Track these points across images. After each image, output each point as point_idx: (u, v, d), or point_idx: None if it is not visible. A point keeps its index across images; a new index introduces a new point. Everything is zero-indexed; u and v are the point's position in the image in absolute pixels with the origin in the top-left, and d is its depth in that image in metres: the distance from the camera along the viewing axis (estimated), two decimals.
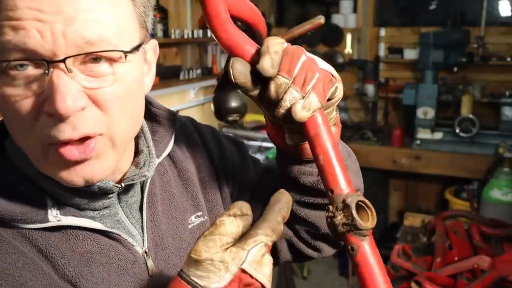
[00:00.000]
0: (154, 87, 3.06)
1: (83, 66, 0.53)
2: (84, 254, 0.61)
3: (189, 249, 0.67)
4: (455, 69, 3.52)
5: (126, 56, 0.55)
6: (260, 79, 0.58)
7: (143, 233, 0.68)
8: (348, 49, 4.11)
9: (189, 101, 3.42)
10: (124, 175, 0.66)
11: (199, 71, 3.22)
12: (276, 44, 0.58)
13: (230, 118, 0.67)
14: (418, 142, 3.52)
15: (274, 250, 0.82)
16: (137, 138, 0.69)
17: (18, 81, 0.52)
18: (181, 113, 3.32)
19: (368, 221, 0.53)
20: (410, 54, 3.80)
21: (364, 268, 0.53)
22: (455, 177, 3.43)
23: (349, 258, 0.54)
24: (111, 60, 0.55)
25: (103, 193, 0.62)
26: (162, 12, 2.81)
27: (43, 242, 0.59)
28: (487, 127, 3.44)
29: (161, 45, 3.25)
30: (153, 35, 2.67)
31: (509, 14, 3.71)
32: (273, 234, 0.51)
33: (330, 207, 0.54)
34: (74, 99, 0.51)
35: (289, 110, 0.57)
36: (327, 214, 0.54)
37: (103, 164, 0.58)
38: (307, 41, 4.18)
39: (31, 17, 0.49)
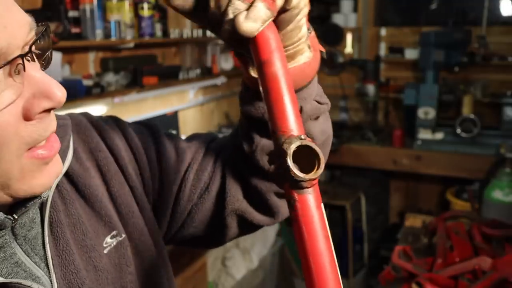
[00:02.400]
0: (153, 87, 3.03)
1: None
2: None
3: (108, 277, 0.62)
4: (456, 69, 3.51)
5: None
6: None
7: (49, 272, 0.57)
8: (348, 49, 4.10)
9: (188, 101, 3.41)
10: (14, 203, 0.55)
11: (198, 71, 3.21)
12: None
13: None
14: (419, 142, 3.51)
15: (222, 229, 0.73)
16: None
17: None
18: (180, 114, 3.33)
19: (312, 171, 0.44)
20: (411, 53, 3.79)
21: (300, 226, 0.44)
22: (456, 177, 3.41)
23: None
24: None
25: None
26: (161, 12, 2.80)
27: None
28: (488, 127, 3.43)
29: (160, 45, 3.21)
30: (152, 35, 2.66)
31: (510, 13, 3.69)
32: None
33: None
34: (58, 83, 0.49)
35: (234, 25, 0.48)
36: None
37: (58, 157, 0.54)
38: None
39: None
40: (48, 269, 0.57)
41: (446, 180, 3.62)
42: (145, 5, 2.57)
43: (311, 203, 0.44)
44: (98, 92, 2.34)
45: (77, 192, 0.64)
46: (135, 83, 2.63)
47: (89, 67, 2.54)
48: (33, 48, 0.49)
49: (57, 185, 0.61)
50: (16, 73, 0.46)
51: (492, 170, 3.17)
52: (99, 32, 2.30)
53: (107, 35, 2.38)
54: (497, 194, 2.98)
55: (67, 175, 0.64)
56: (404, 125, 3.83)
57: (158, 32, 2.75)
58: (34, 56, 0.49)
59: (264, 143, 0.66)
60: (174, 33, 2.86)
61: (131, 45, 2.52)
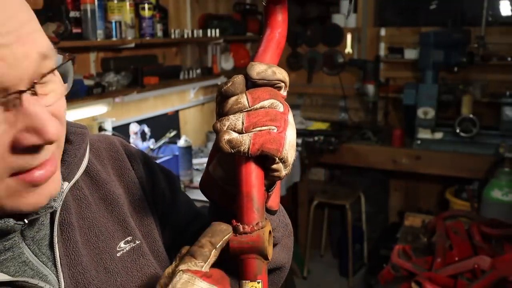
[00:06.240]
0: (154, 87, 3.02)
1: (39, 85, 0.50)
2: None
3: (118, 280, 0.64)
4: (456, 69, 3.52)
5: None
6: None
7: (57, 271, 0.59)
8: (348, 49, 4.11)
9: (189, 101, 3.42)
10: None
11: (199, 71, 3.22)
12: (282, 71, 0.54)
13: None
14: (419, 142, 3.52)
15: None
16: None
17: None
18: (181, 113, 3.33)
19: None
20: (411, 54, 3.79)
21: None
22: (455, 177, 3.42)
23: None
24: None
25: (3, 234, 0.54)
26: (162, 12, 2.80)
27: None
28: (487, 127, 3.44)
29: (161, 45, 3.21)
30: (153, 35, 2.67)
31: (509, 13, 3.70)
32: (192, 259, 0.49)
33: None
34: (53, 121, 0.49)
35: (218, 132, 0.53)
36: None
37: (58, 175, 0.55)
38: (307, 41, 4.17)
39: None
40: (56, 268, 0.59)
41: (445, 180, 3.63)
42: (146, 6, 2.58)
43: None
44: (99, 92, 2.34)
45: (100, 196, 0.68)
46: (136, 83, 2.64)
47: (90, 67, 2.55)
48: (44, 79, 0.49)
49: (73, 190, 0.64)
50: (13, 106, 0.46)
51: (491, 170, 3.18)
52: (100, 32, 2.31)
53: (108, 35, 2.39)
54: (496, 194, 2.99)
55: (91, 180, 0.68)
56: (404, 125, 3.84)
57: (159, 32, 2.76)
58: (36, 90, 0.48)
59: None
60: (174, 34, 2.86)
61: (132, 45, 2.53)
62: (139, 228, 0.70)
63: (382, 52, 3.98)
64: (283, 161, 0.54)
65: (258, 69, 0.53)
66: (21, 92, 0.46)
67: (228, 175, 0.59)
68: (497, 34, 3.64)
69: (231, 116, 0.52)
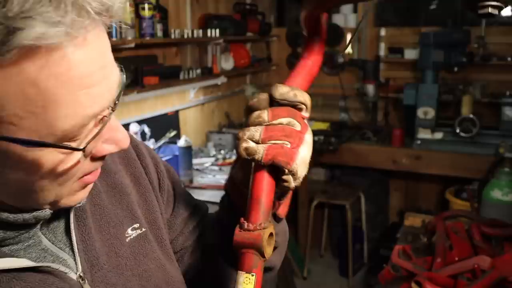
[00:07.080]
0: (154, 87, 3.01)
1: None
2: None
3: (128, 264, 0.68)
4: (456, 69, 3.52)
5: None
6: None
7: (74, 256, 0.63)
8: (348, 49, 4.11)
9: (189, 101, 3.42)
10: None
11: (199, 71, 3.22)
12: (304, 94, 0.61)
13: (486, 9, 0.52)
14: (419, 142, 3.52)
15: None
16: None
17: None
18: (181, 113, 3.33)
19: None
20: (411, 54, 3.79)
21: None
22: (455, 177, 3.42)
23: None
24: None
25: (34, 223, 0.58)
26: (162, 12, 2.81)
27: None
28: (487, 127, 3.44)
29: (161, 45, 3.20)
30: (153, 35, 2.67)
31: (509, 14, 3.70)
32: None
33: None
34: (126, 131, 0.58)
35: (239, 140, 0.60)
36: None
37: None
38: None
39: (102, 77, 0.49)
40: (73, 253, 0.63)
41: (445, 180, 3.63)
42: (146, 6, 2.58)
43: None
44: None
45: (108, 184, 0.72)
46: (136, 83, 2.64)
47: None
48: None
49: None
50: (100, 122, 0.53)
51: (491, 170, 3.18)
52: None
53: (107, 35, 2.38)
54: (496, 194, 2.99)
55: (100, 169, 0.70)
56: (404, 125, 3.84)
57: (159, 32, 2.76)
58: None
59: None
60: (174, 34, 2.86)
61: (132, 45, 2.52)
62: (145, 216, 0.74)
63: (382, 52, 3.98)
64: (293, 173, 0.60)
65: (281, 91, 0.60)
66: (113, 110, 0.53)
67: (246, 178, 0.65)
68: (497, 34, 3.65)
69: (252, 128, 0.60)
